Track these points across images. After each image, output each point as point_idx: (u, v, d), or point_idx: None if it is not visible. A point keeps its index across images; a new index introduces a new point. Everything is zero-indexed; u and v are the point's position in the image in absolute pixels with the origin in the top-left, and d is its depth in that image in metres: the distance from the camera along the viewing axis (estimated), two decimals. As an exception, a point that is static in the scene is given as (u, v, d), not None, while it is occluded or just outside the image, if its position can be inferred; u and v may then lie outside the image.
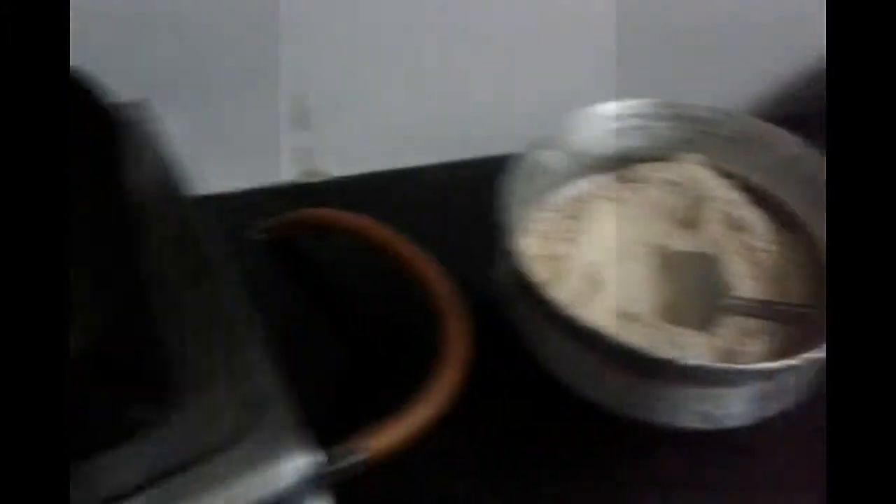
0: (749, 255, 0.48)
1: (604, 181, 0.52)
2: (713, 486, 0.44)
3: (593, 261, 0.48)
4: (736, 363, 0.43)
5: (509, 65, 0.55)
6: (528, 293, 0.40)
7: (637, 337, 0.44)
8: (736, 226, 0.49)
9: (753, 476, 0.44)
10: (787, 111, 0.62)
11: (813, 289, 0.46)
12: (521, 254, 0.41)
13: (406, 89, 0.54)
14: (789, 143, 0.48)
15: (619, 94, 0.49)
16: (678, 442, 0.43)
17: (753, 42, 0.57)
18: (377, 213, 0.52)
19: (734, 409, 0.40)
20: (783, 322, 0.43)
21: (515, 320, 0.44)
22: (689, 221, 0.50)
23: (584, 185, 0.52)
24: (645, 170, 0.51)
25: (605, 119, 0.49)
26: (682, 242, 0.49)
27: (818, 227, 0.47)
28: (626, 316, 0.45)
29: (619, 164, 0.52)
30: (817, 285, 0.46)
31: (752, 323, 0.44)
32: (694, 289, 0.46)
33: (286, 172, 0.58)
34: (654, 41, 0.55)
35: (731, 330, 0.44)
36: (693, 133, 0.50)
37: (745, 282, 0.47)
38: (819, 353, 0.37)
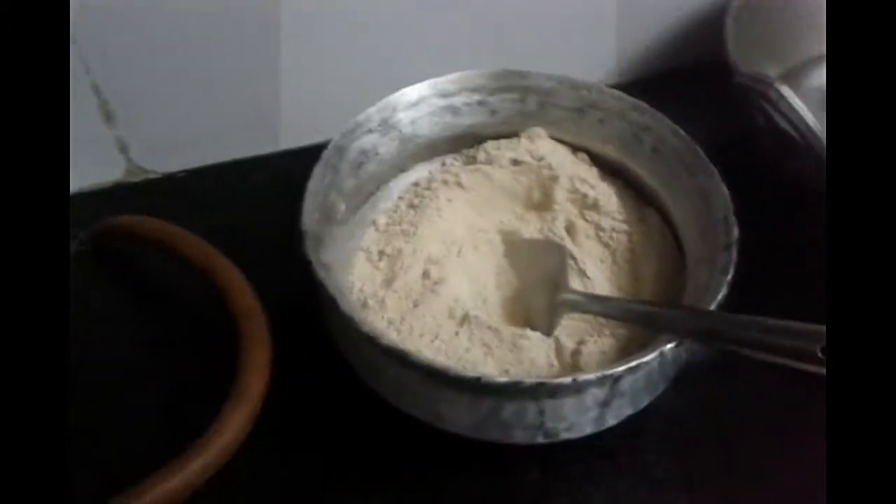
0: (602, 237, 0.44)
1: (447, 164, 0.47)
2: (568, 496, 0.40)
3: (433, 255, 0.43)
4: (579, 364, 0.38)
5: (332, 49, 0.49)
6: (333, 307, 0.35)
7: (475, 341, 0.39)
8: (588, 205, 0.44)
9: (613, 481, 0.40)
10: (633, 77, 0.57)
11: (667, 268, 0.42)
12: (320, 262, 0.36)
13: (218, 77, 0.48)
14: (638, 110, 0.43)
15: (452, 68, 0.44)
16: (525, 455, 0.39)
17: (594, 7, 0.52)
18: (204, 212, 0.48)
19: (570, 420, 0.35)
20: (624, 320, 0.39)
21: (333, 333, 0.39)
22: (539, 203, 0.46)
23: (425, 170, 0.47)
24: (489, 149, 0.46)
25: (434, 96, 0.44)
26: (531, 228, 0.45)
27: (671, 198, 0.43)
28: (465, 318, 0.40)
29: (463, 144, 0.47)
30: (672, 263, 0.42)
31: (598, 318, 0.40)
32: (541, 281, 0.42)
33: (110, 173, 0.52)
34: (490, 7, 0.50)
35: (578, 324, 0.40)
36: (535, 105, 0.45)
37: (597, 268, 0.43)
38: (646, 357, 0.33)
